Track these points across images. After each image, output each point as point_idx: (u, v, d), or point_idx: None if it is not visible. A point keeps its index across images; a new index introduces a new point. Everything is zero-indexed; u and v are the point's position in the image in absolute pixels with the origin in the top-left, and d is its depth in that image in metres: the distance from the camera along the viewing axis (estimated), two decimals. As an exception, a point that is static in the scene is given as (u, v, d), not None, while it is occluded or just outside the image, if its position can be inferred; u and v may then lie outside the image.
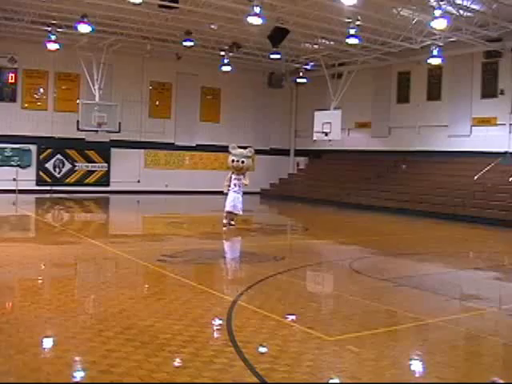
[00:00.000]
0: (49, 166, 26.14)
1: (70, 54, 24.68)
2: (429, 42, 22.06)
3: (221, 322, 6.35)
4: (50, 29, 22.38)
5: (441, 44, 21.98)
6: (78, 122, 24.51)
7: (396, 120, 26.66)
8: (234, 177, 14.73)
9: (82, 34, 22.10)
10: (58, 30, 22.59)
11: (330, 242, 14.31)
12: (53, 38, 22.70)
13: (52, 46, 23.05)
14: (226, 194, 14.73)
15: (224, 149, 29.96)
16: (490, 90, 22.77)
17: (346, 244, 13.81)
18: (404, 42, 22.22)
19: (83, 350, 5.22)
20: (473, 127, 23.44)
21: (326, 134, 25.21)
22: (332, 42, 24.26)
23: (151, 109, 28.49)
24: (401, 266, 11.07)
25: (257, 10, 17.95)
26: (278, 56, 25.40)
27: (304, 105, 31.62)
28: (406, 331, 6.40)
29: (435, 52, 22.32)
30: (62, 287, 7.72)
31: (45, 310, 6.46)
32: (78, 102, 25.17)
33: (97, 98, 24.88)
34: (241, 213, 14.72)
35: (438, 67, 24.08)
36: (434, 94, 24.95)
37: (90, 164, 27.02)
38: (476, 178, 21.55)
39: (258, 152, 31.43)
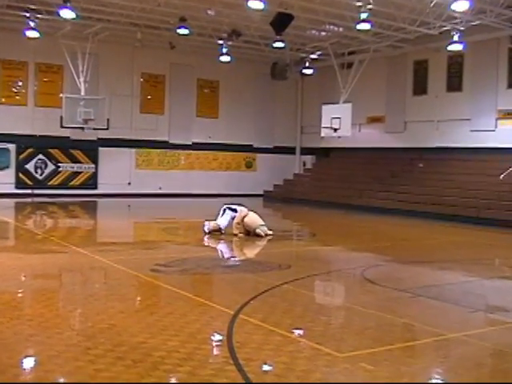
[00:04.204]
0: (29, 167, 26.17)
1: (52, 42, 24.71)
2: (448, 27, 22.04)
3: (221, 337, 6.32)
4: (28, 14, 22.25)
5: (462, 28, 21.91)
6: (61, 118, 24.55)
7: (412, 114, 26.65)
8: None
9: (65, 21, 22.11)
10: (38, 16, 22.52)
11: (340, 248, 14.29)
12: (32, 24, 22.63)
13: (31, 34, 23.02)
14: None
15: (223, 147, 30.60)
16: (517, 79, 22.77)
17: (358, 251, 13.77)
18: (421, 27, 22.21)
19: (68, 370, 5.21)
20: (498, 121, 23.42)
21: (335, 130, 25.19)
22: (341, 29, 24.27)
23: (143, 103, 28.53)
24: (418, 275, 11.03)
25: (258, -7, 17.98)
26: (282, 45, 25.39)
27: (311, 98, 31.62)
28: (424, 347, 6.38)
29: (456, 38, 22.21)
30: (44, 301, 7.71)
31: (26, 327, 6.44)
32: (61, 96, 25.20)
33: (82, 92, 24.91)
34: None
35: (459, 55, 24.07)
36: (454, 84, 24.92)
37: (75, 165, 27.05)
38: (502, 177, 21.53)
39: (260, 151, 32.00)
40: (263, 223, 14.78)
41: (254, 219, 14.75)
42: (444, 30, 22.36)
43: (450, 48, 22.85)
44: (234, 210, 14.87)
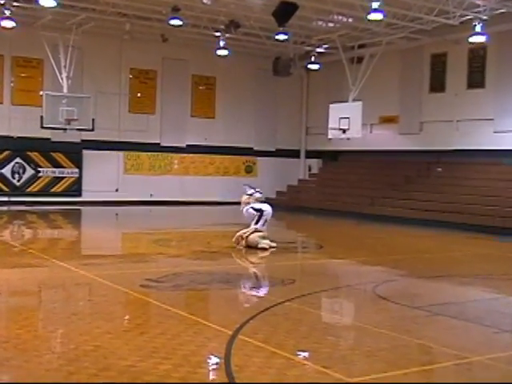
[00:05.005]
0: (6, 171, 26.17)
1: (31, 34, 24.73)
2: (470, 16, 22.01)
3: (218, 360, 6.31)
4: (3, 2, 22.16)
5: (485, 18, 21.79)
6: (41, 117, 24.52)
7: (429, 113, 26.66)
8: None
9: (45, 10, 22.13)
10: (14, 3, 22.46)
11: (350, 261, 14.26)
12: (7, 13, 22.49)
13: (7, 24, 22.93)
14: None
15: (220, 150, 30.60)
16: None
17: (369, 264, 13.75)
18: (439, 16, 22.24)
19: (49, 396, 5.19)
20: (524, 121, 23.48)
21: (344, 132, 25.20)
22: (350, 19, 24.32)
23: (132, 102, 28.57)
24: (436, 291, 11.02)
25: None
26: (285, 37, 25.43)
27: (317, 96, 31.65)
28: (444, 371, 6.36)
29: (478, 28, 22.05)
30: (22, 320, 7.69)
31: (0, 350, 6.43)
32: (41, 93, 25.21)
33: (65, 89, 24.91)
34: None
35: (482, 47, 24.07)
36: (476, 80, 24.92)
37: (57, 169, 27.06)
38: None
39: (261, 154, 32.01)
40: (263, 235, 14.82)
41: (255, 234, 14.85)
42: (465, 20, 22.36)
43: (471, 40, 22.76)
44: (259, 210, 14.96)
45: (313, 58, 28.91)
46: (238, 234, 14.84)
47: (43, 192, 26.78)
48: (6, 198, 25.79)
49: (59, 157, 27.08)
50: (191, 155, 29.98)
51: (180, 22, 23.57)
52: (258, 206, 15.18)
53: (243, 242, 14.66)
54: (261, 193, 15.64)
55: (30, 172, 26.60)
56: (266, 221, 15.02)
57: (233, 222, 19.45)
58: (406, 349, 7.02)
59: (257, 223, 14.86)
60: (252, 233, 14.70)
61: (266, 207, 15.22)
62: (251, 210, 15.07)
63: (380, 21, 22.18)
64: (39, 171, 26.78)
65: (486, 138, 24.41)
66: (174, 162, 29.74)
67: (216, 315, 8.63)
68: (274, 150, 32.01)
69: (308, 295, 9.74)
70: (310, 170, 32.53)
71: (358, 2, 21.24)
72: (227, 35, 25.91)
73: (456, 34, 23.74)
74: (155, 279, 10.45)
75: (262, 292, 10.01)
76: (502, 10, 21.23)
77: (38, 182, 26.81)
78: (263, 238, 14.76)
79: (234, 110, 30.70)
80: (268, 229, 15.25)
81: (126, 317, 8.49)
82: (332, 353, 6.74)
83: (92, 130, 25.61)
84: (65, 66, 24.89)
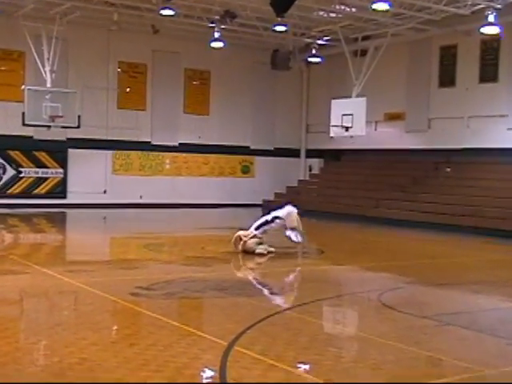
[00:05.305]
0: (-15, 172, 26.21)
1: (11, 24, 24.74)
2: (482, 5, 22.04)
3: (212, 373, 6.31)
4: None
5: (498, 7, 21.80)
6: (23, 114, 24.47)
7: (438, 109, 26.69)
8: None
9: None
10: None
11: (353, 268, 14.27)
12: (-15, 2, 22.65)
13: (-15, 14, 23.01)
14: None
15: (215, 149, 30.60)
16: None
17: (374, 271, 13.76)
18: (449, 5, 22.27)
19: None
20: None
21: (347, 129, 25.22)
22: (354, 9, 24.35)
23: (120, 98, 28.56)
24: (446, 300, 11.02)
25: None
26: (284, 28, 25.48)
27: (318, 91, 31.68)
28: (454, 385, 6.35)
29: (491, 18, 22.06)
30: (2, 331, 7.66)
31: (-20, 362, 6.42)
32: (22, 88, 25.13)
33: (48, 84, 24.88)
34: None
35: (495, 39, 24.09)
36: (488, 74, 24.94)
37: (40, 169, 27.04)
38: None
39: (258, 153, 32.02)
40: (260, 241, 14.84)
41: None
42: (477, 9, 22.40)
43: (483, 31, 22.80)
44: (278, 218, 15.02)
45: (313, 51, 28.91)
46: (237, 234, 14.80)
47: (25, 194, 26.76)
48: (-15, 201, 25.79)
49: (43, 156, 27.06)
50: (184, 154, 29.98)
51: (172, 12, 23.60)
52: (279, 212, 15.14)
53: (240, 244, 14.64)
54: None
55: (11, 172, 26.58)
56: (266, 230, 14.97)
57: (228, 226, 19.46)
58: (414, 361, 7.01)
59: (258, 228, 14.82)
60: (250, 238, 14.69)
61: (285, 214, 15.10)
62: (278, 221, 15.02)
63: (385, 11, 22.21)
64: (21, 171, 26.76)
65: (499, 135, 24.45)
66: (166, 162, 29.74)
67: (211, 325, 8.62)
68: (272, 148, 32.02)
69: (309, 304, 9.73)
70: (310, 170, 32.55)
71: (361, -9, 21.28)
72: (222, 26, 25.93)
73: (467, 24, 23.76)
74: (146, 287, 10.43)
75: (260, 300, 9.99)
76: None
77: (19, 183, 26.78)
78: (259, 243, 14.75)
79: (230, 106, 30.71)
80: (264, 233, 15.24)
81: (115, 327, 8.47)
82: (334, 365, 6.73)
83: (78, 127, 25.57)
84: (48, 59, 24.84)
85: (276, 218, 15.03)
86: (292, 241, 14.91)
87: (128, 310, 9.06)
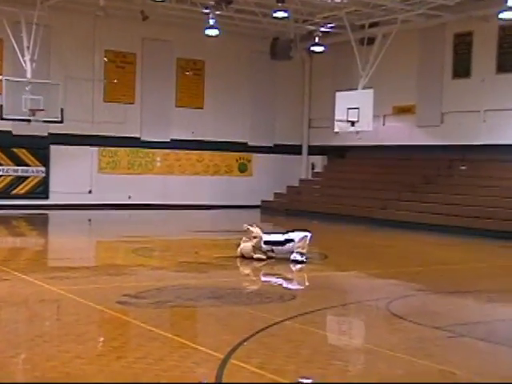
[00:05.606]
0: (-40, 170, 26.22)
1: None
2: (501, -12, 22.07)
3: (207, 389, 6.30)
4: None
5: (520, -11, 21.90)
6: (1, 107, 24.49)
7: (452, 102, 26.69)
8: None
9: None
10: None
11: (359, 274, 14.27)
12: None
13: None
14: None
15: (210, 145, 30.59)
16: None
17: (382, 277, 13.78)
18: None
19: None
20: None
21: (353, 124, 25.22)
22: (360, -6, 24.37)
23: (107, 90, 28.56)
24: (460, 309, 11.04)
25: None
26: (285, 15, 25.46)
27: (321, 83, 31.68)
28: (469, 401, 6.36)
29: (510, 3, 22.07)
30: (-21, 342, 7.67)
31: (-46, 377, 6.42)
32: (0, 79, 25.14)
33: (28, 74, 24.84)
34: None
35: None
36: (507, 63, 24.94)
37: (19, 167, 27.03)
38: None
39: (257, 150, 32.01)
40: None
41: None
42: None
43: (501, 16, 22.82)
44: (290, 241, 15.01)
45: (316, 39, 28.88)
46: (256, 231, 14.84)
47: (3, 194, 26.74)
48: (-40, 201, 25.81)
49: (22, 153, 27.04)
50: (176, 151, 29.97)
51: (163, -3, 23.59)
52: (294, 235, 15.09)
53: (239, 248, 14.69)
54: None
55: (-12, 171, 26.62)
56: (274, 250, 15.00)
57: (224, 229, 19.49)
58: (426, 376, 7.01)
59: (266, 244, 14.82)
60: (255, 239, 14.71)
61: (298, 238, 15.05)
62: (289, 244, 14.99)
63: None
64: (-1, 170, 26.80)
65: (518, 130, 24.50)
66: (157, 160, 29.73)
67: (205, 336, 8.63)
68: (271, 145, 32.03)
69: (311, 313, 9.74)
70: (313, 168, 32.54)
71: (368, -26, 21.30)
72: (217, 12, 25.91)
73: (484, 9, 23.79)
74: (134, 295, 10.43)
75: (258, 309, 9.99)
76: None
77: (-3, 182, 26.83)
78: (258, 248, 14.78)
79: (226, 99, 30.71)
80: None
81: (101, 339, 8.47)
82: (339, 380, 6.73)
83: (61, 121, 25.56)
84: (28, 47, 24.77)
85: (288, 240, 14.97)
86: (296, 260, 14.76)
87: (115, 320, 9.06)
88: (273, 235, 15.24)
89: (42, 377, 6.39)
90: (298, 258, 14.68)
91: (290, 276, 13.97)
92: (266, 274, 14.02)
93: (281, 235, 15.18)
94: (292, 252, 14.74)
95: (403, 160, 27.88)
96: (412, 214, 23.82)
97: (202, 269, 13.92)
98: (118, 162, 28.91)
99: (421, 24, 26.67)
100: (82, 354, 7.20)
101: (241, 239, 14.99)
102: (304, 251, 14.78)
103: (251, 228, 14.95)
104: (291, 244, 14.86)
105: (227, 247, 15.26)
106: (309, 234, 15.01)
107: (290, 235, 15.02)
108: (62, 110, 25.43)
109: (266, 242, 14.83)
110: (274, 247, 14.87)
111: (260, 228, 15.13)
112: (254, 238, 14.75)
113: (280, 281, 13.13)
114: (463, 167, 25.53)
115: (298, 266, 14.47)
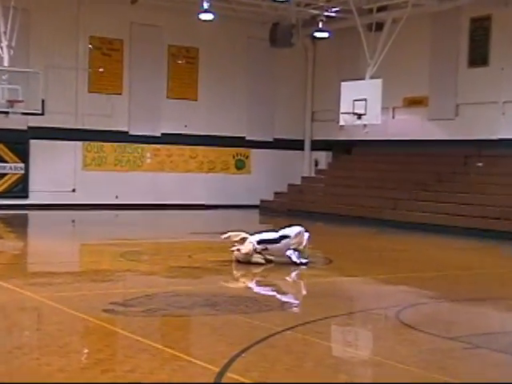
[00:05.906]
0: None
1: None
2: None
3: (201, 405, 6.30)
4: None
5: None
6: (-24, 98, 24.55)
7: (467, 93, 26.71)
8: None
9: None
10: None
11: (366, 280, 14.26)
12: None
13: None
14: None
15: (204, 140, 30.58)
16: None
17: (391, 284, 13.78)
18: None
19: None
20: None
21: (360, 117, 25.25)
22: (368, -24, 24.38)
23: (92, 79, 28.56)
24: (477, 318, 11.03)
25: None
26: (286, -3, 25.50)
27: (325, 72, 31.72)
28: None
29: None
30: (-48, 354, 7.67)
31: None
32: (-26, 67, 25.18)
33: (5, 62, 24.80)
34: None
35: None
36: (528, 51, 25.00)
37: (-3, 164, 27.07)
38: None
39: (255, 145, 32.01)
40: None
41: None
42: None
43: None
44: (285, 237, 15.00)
45: (320, 25, 28.93)
46: (241, 236, 14.83)
47: (-20, 193, 26.80)
48: None
49: None
50: (167, 147, 29.98)
51: (153, -21, 23.60)
52: (288, 231, 15.13)
53: (234, 253, 14.70)
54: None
55: (-38, 168, 26.64)
56: (268, 248, 15.01)
57: (219, 231, 19.42)
58: (439, 390, 7.02)
59: (260, 243, 14.82)
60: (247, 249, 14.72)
61: (294, 233, 15.09)
62: (284, 241, 15.01)
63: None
64: (-26, 167, 26.81)
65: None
66: (146, 156, 29.75)
67: (199, 348, 8.61)
68: (271, 140, 32.05)
69: (314, 322, 9.73)
70: (316, 165, 32.58)
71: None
72: (213, -5, 25.98)
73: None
74: (122, 302, 10.45)
75: (257, 318, 9.98)
76: None
77: (-28, 180, 26.84)
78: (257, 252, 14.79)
79: (222, 89, 30.73)
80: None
81: (85, 350, 8.44)
82: (345, 395, 6.75)
83: (42, 114, 25.59)
84: (5, 33, 24.70)
85: (283, 237, 14.98)
86: (292, 261, 14.77)
87: (101, 330, 9.05)
88: (265, 233, 15.22)
89: (21, 392, 6.39)
90: (294, 258, 14.66)
91: (291, 282, 13.97)
92: (264, 280, 14.00)
93: (274, 233, 15.19)
94: (289, 249, 14.78)
95: (414, 156, 27.87)
96: (424, 215, 23.82)
97: (195, 274, 13.93)
98: (104, 158, 28.91)
99: (433, 8, 26.67)
100: (64, 368, 7.18)
101: (233, 245, 14.95)
102: (301, 248, 14.80)
103: (232, 234, 14.90)
104: (286, 240, 14.88)
105: (222, 250, 15.23)
106: (303, 229, 15.04)
107: (285, 231, 15.06)
108: (42, 102, 25.47)
109: (260, 241, 14.82)
110: (268, 245, 14.84)
111: (244, 231, 15.11)
112: (243, 239, 14.73)
113: (280, 287, 13.12)
114: (480, 164, 25.53)
115: (301, 267, 14.51)
